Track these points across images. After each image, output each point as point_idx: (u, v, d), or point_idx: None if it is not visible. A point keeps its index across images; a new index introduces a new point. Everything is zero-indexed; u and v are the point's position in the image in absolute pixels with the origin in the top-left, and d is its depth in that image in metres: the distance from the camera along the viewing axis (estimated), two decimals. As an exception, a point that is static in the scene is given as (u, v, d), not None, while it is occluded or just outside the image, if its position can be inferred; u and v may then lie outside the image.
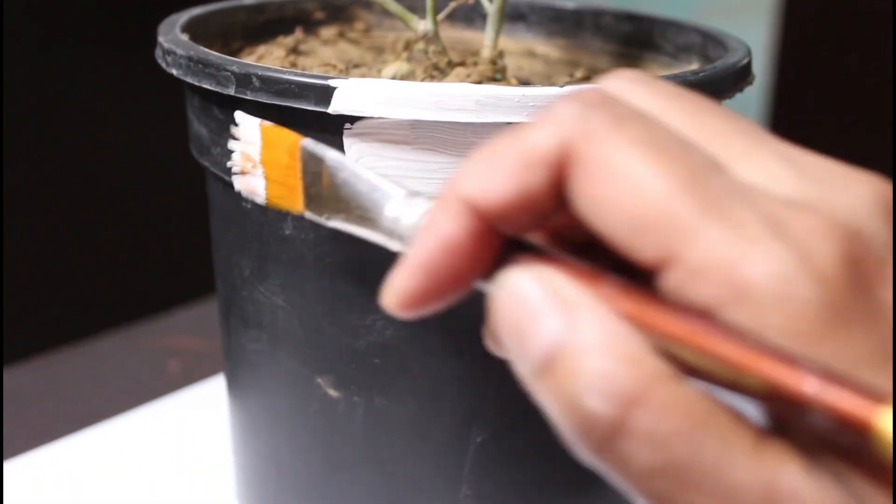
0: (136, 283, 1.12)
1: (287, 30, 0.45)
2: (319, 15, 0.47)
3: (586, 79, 0.41)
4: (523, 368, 0.21)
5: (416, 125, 0.32)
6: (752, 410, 0.20)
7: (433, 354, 0.35)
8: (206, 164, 0.38)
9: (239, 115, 0.33)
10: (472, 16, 0.48)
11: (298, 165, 0.30)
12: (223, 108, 0.35)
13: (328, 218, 0.29)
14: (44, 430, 0.51)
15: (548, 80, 0.43)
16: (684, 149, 0.20)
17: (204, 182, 0.40)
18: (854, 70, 1.56)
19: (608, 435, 0.20)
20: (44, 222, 1.06)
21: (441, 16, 0.39)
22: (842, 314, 0.19)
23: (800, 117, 1.61)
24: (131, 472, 0.49)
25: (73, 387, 0.56)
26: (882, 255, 0.20)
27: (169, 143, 0.86)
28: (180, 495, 0.47)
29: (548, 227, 0.24)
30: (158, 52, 0.37)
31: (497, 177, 0.21)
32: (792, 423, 0.19)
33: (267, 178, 0.31)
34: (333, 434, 0.37)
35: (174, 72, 0.36)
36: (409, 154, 0.32)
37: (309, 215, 0.30)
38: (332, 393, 0.37)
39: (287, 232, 0.35)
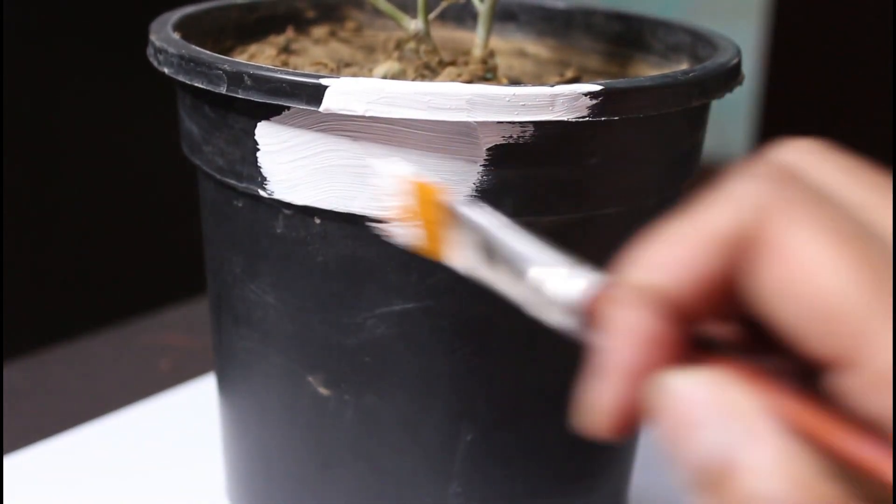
0: (127, 281, 1.12)
1: (279, 29, 0.45)
2: (311, 14, 0.47)
3: (576, 79, 0.41)
4: (684, 475, 0.20)
5: (407, 124, 0.32)
6: None
7: (423, 353, 0.36)
8: (198, 162, 0.38)
9: (388, 165, 0.31)
10: (462, 15, 0.48)
11: (448, 221, 0.28)
12: (214, 107, 0.35)
13: (481, 271, 0.27)
14: (35, 427, 0.51)
15: (538, 80, 0.43)
16: (868, 239, 0.19)
17: (195, 180, 0.40)
18: (843, 70, 1.57)
19: None
20: (35, 221, 1.06)
21: (432, 15, 0.39)
22: None
23: (789, 118, 1.62)
24: (122, 470, 0.49)
25: (65, 384, 0.56)
26: None
27: (160, 141, 0.86)
28: (170, 493, 0.47)
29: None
30: (150, 51, 0.37)
31: (680, 262, 0.20)
32: None
33: (426, 231, 0.29)
34: (323, 432, 0.38)
35: (166, 70, 0.36)
36: (399, 153, 0.32)
37: (464, 268, 0.28)
38: (323, 391, 0.37)
39: (278, 230, 0.35)
